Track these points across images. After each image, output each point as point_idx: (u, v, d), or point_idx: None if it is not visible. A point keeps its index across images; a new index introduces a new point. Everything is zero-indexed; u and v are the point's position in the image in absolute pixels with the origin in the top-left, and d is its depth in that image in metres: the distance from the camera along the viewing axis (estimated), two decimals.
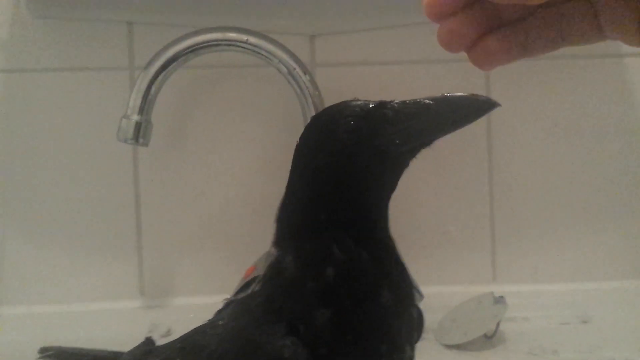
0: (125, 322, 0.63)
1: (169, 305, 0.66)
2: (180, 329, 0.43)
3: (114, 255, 0.67)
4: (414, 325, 0.36)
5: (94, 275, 0.67)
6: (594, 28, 0.31)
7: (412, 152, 0.35)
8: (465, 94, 0.33)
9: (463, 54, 0.72)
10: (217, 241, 0.67)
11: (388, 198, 0.35)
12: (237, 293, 0.57)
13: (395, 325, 0.34)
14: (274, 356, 0.32)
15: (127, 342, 0.51)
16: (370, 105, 0.34)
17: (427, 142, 0.35)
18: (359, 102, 0.35)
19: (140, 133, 0.57)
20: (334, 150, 0.34)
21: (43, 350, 0.53)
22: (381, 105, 0.34)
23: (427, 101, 0.33)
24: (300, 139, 0.36)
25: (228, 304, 0.40)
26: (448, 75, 0.68)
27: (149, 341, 0.47)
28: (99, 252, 0.67)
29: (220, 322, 0.39)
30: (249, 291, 0.55)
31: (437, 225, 0.68)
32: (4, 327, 0.63)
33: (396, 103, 0.34)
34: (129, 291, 0.67)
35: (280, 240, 0.36)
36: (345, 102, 0.35)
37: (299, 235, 0.35)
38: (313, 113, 0.59)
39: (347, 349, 0.32)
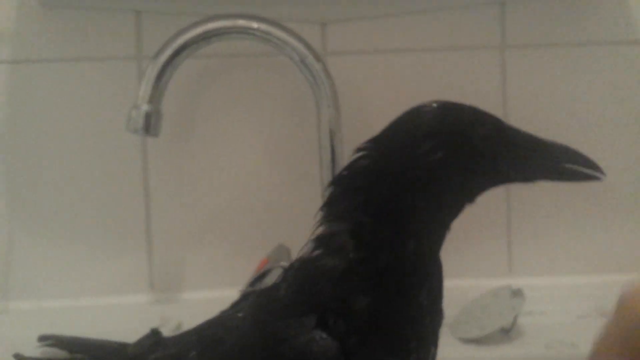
0: (135, 316, 0.62)
1: (179, 299, 0.66)
2: (190, 323, 0.42)
3: (123, 249, 0.66)
4: (440, 326, 0.36)
5: (104, 269, 0.66)
6: None
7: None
8: (585, 155, 0.37)
9: (478, 41, 0.70)
10: (228, 234, 0.66)
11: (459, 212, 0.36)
12: (251, 285, 0.56)
13: (427, 325, 0.34)
14: (301, 350, 0.31)
15: (137, 337, 0.50)
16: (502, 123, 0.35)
17: (527, 179, 0.36)
18: (488, 114, 0.35)
19: (150, 123, 0.55)
20: (467, 153, 0.34)
21: (42, 338, 0.52)
22: (508, 127, 0.35)
23: (549, 142, 0.36)
24: (418, 129, 0.35)
25: (246, 296, 0.39)
26: (461, 63, 0.67)
27: (155, 332, 0.46)
28: (108, 246, 0.66)
29: (240, 315, 0.38)
30: (265, 283, 0.54)
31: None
32: (13, 322, 0.62)
33: (519, 132, 0.35)
34: (138, 285, 0.66)
35: (332, 220, 0.35)
36: (471, 107, 0.36)
37: (363, 231, 0.34)
38: (326, 102, 0.58)
39: (378, 340, 0.32)
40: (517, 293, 0.55)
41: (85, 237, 0.66)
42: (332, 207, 0.36)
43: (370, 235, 0.33)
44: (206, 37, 0.56)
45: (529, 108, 0.67)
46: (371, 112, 0.66)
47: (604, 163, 0.66)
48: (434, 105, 0.35)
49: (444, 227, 0.36)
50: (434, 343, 0.36)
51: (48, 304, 0.65)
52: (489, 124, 0.35)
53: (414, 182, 0.34)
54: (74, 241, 0.66)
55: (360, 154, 0.36)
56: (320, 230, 0.36)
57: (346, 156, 0.58)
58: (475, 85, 0.67)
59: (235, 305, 0.42)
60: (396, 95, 0.66)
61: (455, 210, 0.36)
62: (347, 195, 0.35)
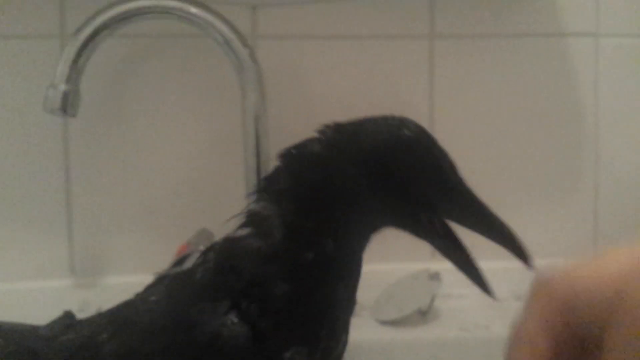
0: (55, 300, 0.61)
1: (99, 284, 0.64)
2: None
3: (43, 232, 0.64)
4: (352, 315, 0.37)
5: (23, 253, 0.64)
6: None
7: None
8: (519, 242, 0.38)
9: (407, 30, 0.71)
10: (151, 219, 0.65)
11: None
12: (169, 269, 0.55)
13: (340, 316, 0.35)
14: (211, 335, 0.31)
15: None
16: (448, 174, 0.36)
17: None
18: (447, 159, 0.37)
19: (67, 103, 0.54)
20: (401, 196, 0.35)
21: None
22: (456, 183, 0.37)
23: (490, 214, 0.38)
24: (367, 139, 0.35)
25: (161, 279, 0.39)
26: (391, 51, 0.67)
27: (68, 314, 0.45)
28: (28, 229, 0.64)
29: (153, 298, 0.37)
30: (183, 267, 0.54)
31: None
32: None
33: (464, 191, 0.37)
34: (59, 270, 0.64)
35: (267, 199, 0.35)
36: (437, 148, 0.36)
37: (284, 219, 0.34)
38: (252, 86, 0.58)
39: (291, 327, 0.33)
40: (434, 276, 0.57)
41: (4, 221, 0.64)
42: (271, 185, 0.36)
43: (299, 225, 0.34)
44: (127, 16, 0.55)
45: (456, 98, 0.69)
46: (299, 98, 0.66)
47: (527, 151, 0.70)
48: (406, 132, 0.35)
49: (364, 238, 0.36)
50: (346, 330, 0.36)
51: None
52: (439, 173, 0.36)
53: (341, 193, 0.34)
54: None
55: (317, 136, 0.35)
56: (253, 205, 0.36)
57: (271, 142, 0.59)
58: (403, 74, 0.68)
59: (150, 288, 0.42)
60: (326, 82, 0.66)
61: (374, 230, 0.37)
62: (288, 177, 0.35)
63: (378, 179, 0.34)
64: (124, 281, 0.63)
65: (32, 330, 0.45)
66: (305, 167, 0.35)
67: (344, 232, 0.35)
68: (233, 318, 0.32)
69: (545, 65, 0.69)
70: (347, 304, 0.36)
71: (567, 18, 0.69)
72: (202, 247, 0.53)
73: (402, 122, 0.36)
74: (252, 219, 0.35)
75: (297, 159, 0.35)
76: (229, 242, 0.36)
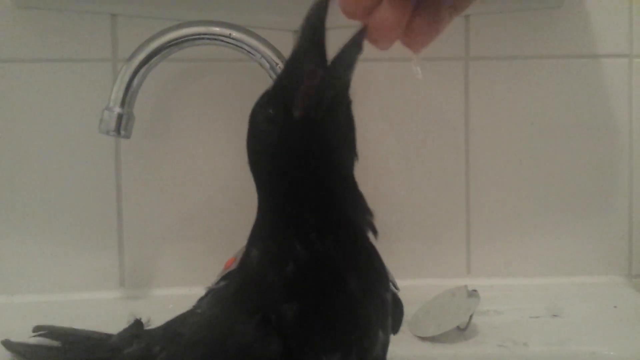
0: (105, 312, 0.64)
1: (149, 296, 0.67)
2: (159, 320, 0.44)
3: (95, 246, 0.67)
4: (388, 310, 0.36)
5: (76, 266, 0.67)
6: None
7: (331, 110, 0.33)
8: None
9: (443, 52, 0.73)
10: (198, 233, 0.68)
11: (345, 175, 0.34)
12: (217, 283, 0.58)
13: (364, 312, 0.34)
14: (245, 346, 0.32)
15: (108, 332, 0.51)
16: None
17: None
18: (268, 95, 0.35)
19: (122, 125, 0.57)
20: (261, 141, 0.35)
21: (36, 329, 0.54)
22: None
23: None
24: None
25: (207, 293, 0.42)
26: (429, 73, 0.69)
27: (138, 323, 0.48)
28: (81, 243, 0.67)
29: (199, 311, 0.40)
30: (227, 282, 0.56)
31: (413, 220, 0.70)
32: None
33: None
34: (109, 282, 0.67)
35: (251, 236, 0.37)
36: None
37: (265, 232, 0.35)
38: None
39: (316, 340, 0.33)
40: (472, 293, 0.58)
41: (59, 235, 0.67)
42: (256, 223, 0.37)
43: (271, 248, 0.34)
44: (180, 42, 0.58)
45: (491, 118, 0.70)
46: None
47: (561, 170, 0.71)
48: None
49: (346, 198, 0.34)
50: (383, 328, 0.35)
51: (21, 299, 0.66)
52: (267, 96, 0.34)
53: (277, 188, 0.34)
54: (47, 238, 0.67)
55: None
56: (269, 231, 0.36)
57: None
58: (440, 95, 0.70)
59: (199, 302, 0.45)
60: (366, 103, 0.69)
61: (340, 193, 0.34)
62: (259, 217, 0.37)
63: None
64: (172, 293, 0.66)
65: (105, 339, 0.48)
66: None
67: (321, 215, 0.33)
68: (264, 330, 0.33)
69: (579, 86, 0.70)
70: (369, 296, 0.34)
71: (601, 39, 0.70)
72: None
73: None
74: (263, 248, 0.36)
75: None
76: (246, 266, 0.36)
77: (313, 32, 0.31)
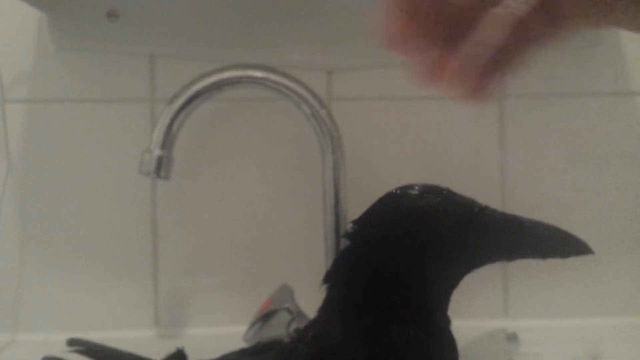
0: (140, 350, 0.64)
1: (183, 334, 0.67)
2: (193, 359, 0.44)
3: (130, 285, 0.68)
4: None
5: (111, 304, 0.68)
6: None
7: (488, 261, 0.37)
8: (570, 234, 0.37)
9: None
10: (233, 272, 0.68)
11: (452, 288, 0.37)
12: (253, 325, 0.58)
13: None
14: None
15: None
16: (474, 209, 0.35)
17: (510, 259, 0.37)
18: (460, 198, 0.36)
19: (161, 167, 0.58)
20: (437, 244, 0.35)
21: (72, 342, 0.51)
22: (481, 210, 0.35)
23: (530, 222, 0.36)
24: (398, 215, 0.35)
25: (266, 345, 0.40)
26: (461, 112, 0.69)
27: (180, 353, 0.47)
28: (116, 280, 0.68)
29: None
30: (270, 324, 0.56)
31: None
32: (21, 354, 0.64)
33: (491, 211, 0.36)
34: (144, 320, 0.67)
35: (330, 309, 0.36)
36: (443, 193, 0.35)
37: (356, 311, 0.34)
38: (330, 146, 0.61)
39: None
40: (512, 337, 0.57)
41: (94, 272, 0.68)
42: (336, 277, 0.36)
43: (365, 325, 0.34)
44: (219, 85, 0.59)
45: (526, 156, 0.70)
46: (374, 158, 0.69)
47: (600, 207, 0.70)
48: (410, 192, 0.35)
49: (431, 313, 0.36)
50: None
51: (56, 337, 0.66)
52: (459, 210, 0.35)
53: (393, 275, 0.34)
54: (83, 276, 0.68)
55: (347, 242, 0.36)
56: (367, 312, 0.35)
57: (349, 200, 0.61)
58: (474, 133, 0.70)
59: (258, 353, 0.42)
60: (399, 142, 0.69)
61: (439, 296, 0.37)
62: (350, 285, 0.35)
63: (418, 247, 0.35)
64: (206, 332, 0.66)
65: None
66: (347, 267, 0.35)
67: (402, 315, 0.34)
68: None
69: (615, 123, 0.70)
70: None
71: (637, 76, 0.70)
72: (287, 305, 0.55)
73: (404, 190, 0.36)
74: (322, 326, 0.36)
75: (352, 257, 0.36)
76: (317, 339, 0.36)
77: None
